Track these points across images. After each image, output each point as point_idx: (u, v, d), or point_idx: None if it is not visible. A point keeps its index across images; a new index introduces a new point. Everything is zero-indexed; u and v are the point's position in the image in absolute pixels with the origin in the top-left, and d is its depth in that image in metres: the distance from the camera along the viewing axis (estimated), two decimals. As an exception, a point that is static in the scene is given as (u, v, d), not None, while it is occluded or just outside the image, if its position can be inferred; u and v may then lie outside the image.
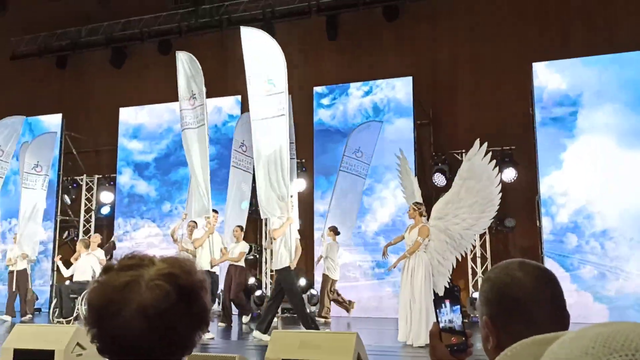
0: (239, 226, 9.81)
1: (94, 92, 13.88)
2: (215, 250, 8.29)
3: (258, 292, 11.50)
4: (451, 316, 1.42)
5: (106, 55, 13.72)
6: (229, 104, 12.57)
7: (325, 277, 10.24)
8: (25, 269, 10.90)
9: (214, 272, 8.41)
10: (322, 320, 10.01)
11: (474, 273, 10.82)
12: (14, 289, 10.76)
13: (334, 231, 10.17)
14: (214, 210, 8.27)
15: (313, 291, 11.20)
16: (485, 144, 6.90)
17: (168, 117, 12.83)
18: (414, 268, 6.96)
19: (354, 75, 11.96)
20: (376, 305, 10.79)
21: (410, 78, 11.48)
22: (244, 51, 8.01)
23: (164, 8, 13.05)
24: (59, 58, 14.08)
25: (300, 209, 11.85)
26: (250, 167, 11.37)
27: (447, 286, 7.07)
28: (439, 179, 11.01)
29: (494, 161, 6.90)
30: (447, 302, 1.43)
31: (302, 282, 11.94)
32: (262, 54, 7.92)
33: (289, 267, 7.36)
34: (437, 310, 1.43)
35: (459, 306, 1.44)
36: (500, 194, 6.85)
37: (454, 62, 11.84)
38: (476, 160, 6.81)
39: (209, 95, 12.77)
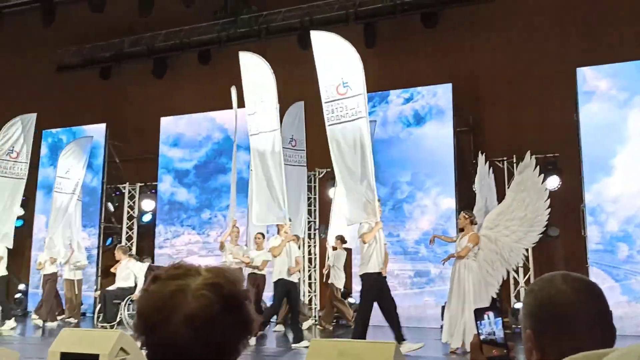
0: (260, 233, 9.66)
1: (136, 102, 14.20)
2: (292, 259, 8.22)
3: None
4: (493, 328, 1.40)
5: (148, 66, 14.02)
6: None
7: (332, 286, 10.27)
8: (54, 273, 10.96)
9: (293, 282, 8.26)
10: (323, 327, 10.21)
11: (516, 283, 10.60)
12: (45, 293, 10.90)
13: (342, 240, 10.16)
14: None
15: (351, 300, 11.14)
16: (533, 158, 7.16)
17: (207, 125, 13.02)
18: (464, 276, 7.05)
19: (392, 83, 11.90)
20: (416, 315, 10.66)
21: (449, 85, 11.36)
22: (315, 54, 7.95)
23: (204, 19, 13.27)
24: (102, 69, 14.47)
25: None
26: (304, 159, 11.35)
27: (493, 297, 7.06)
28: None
29: (542, 175, 7.11)
30: (489, 314, 1.41)
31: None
32: (335, 56, 7.85)
33: (374, 272, 7.19)
34: (478, 322, 1.41)
35: (500, 318, 1.41)
36: (549, 209, 6.99)
37: (495, 67, 11.67)
38: (527, 173, 7.11)
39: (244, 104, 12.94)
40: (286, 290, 8.07)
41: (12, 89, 15.41)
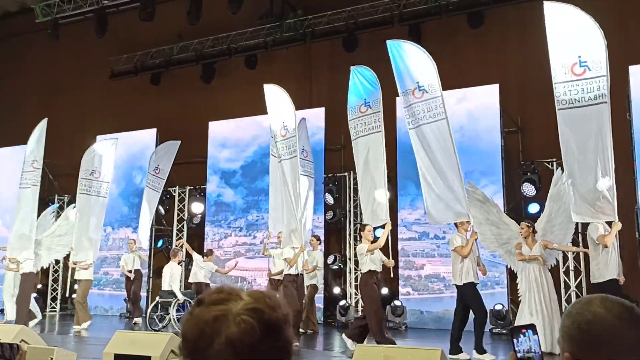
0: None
1: (186, 107, 14.53)
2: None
3: (342, 302, 11.55)
4: (530, 345, 1.42)
5: (197, 71, 14.34)
6: (314, 115, 12.68)
7: (314, 288, 10.24)
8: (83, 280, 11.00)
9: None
10: (307, 331, 9.91)
11: (567, 287, 10.35)
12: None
13: (318, 240, 10.11)
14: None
15: (397, 302, 11.11)
16: (565, 172, 7.42)
17: (255, 129, 13.19)
18: (539, 280, 7.70)
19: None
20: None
21: (496, 85, 11.19)
22: (547, 29, 7.16)
23: (250, 24, 13.48)
24: (153, 75, 14.87)
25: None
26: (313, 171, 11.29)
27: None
28: (528, 189, 10.67)
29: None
30: (526, 332, 1.43)
31: (385, 291, 11.87)
32: (572, 31, 7.07)
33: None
34: (515, 339, 1.43)
35: (537, 335, 1.43)
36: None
37: (542, 67, 11.34)
38: (560, 186, 7.95)
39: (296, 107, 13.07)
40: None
41: (67, 96, 16.03)
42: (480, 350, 7.18)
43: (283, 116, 9.36)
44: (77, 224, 11.15)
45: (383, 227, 8.35)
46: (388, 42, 8.27)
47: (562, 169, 7.62)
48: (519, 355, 1.41)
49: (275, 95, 9.52)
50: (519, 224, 8.05)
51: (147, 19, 12.93)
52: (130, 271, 11.88)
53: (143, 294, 13.38)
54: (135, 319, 11.68)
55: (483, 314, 7.39)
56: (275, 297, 1.07)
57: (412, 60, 7.98)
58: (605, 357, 1.19)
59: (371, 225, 8.11)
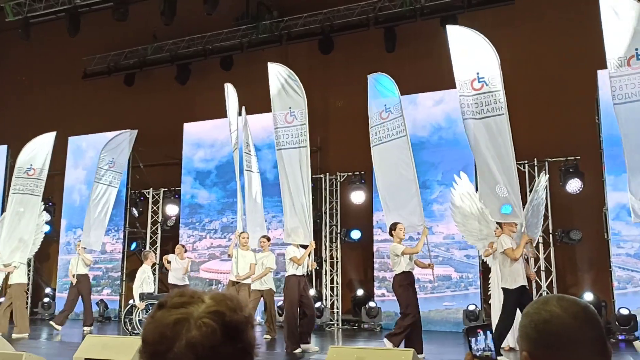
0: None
1: (160, 108, 14.40)
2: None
3: (317, 304, 11.55)
4: (487, 344, 1.45)
5: (171, 72, 14.22)
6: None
7: (271, 293, 9.63)
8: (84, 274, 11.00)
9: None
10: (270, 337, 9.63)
11: (539, 287, 10.51)
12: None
13: (269, 240, 10.00)
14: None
15: (372, 303, 11.17)
16: (547, 177, 8.56)
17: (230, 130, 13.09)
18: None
19: (415, 86, 11.90)
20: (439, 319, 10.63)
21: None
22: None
23: (226, 25, 13.42)
24: (127, 76, 14.70)
25: (362, 220, 11.93)
26: None
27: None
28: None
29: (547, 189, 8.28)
30: (481, 331, 1.46)
31: (360, 292, 11.94)
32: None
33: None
34: (471, 339, 1.46)
35: (492, 333, 1.48)
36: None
37: (515, 68, 11.56)
38: (539, 190, 8.47)
39: (267, 109, 13.01)
40: None
41: (39, 96, 15.77)
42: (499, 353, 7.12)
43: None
44: (6, 224, 10.51)
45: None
46: (448, 27, 8.24)
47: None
48: (478, 354, 1.44)
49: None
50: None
51: (121, 19, 12.78)
52: (74, 275, 10.83)
53: (115, 297, 13.22)
54: (85, 328, 10.83)
55: (512, 320, 7.12)
56: (237, 299, 1.07)
57: (473, 50, 7.77)
58: (561, 356, 1.22)
59: (402, 224, 7.93)
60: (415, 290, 7.63)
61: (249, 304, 8.20)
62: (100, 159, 12.37)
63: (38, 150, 11.10)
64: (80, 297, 10.91)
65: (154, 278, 11.42)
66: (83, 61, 14.82)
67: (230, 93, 10.16)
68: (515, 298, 6.98)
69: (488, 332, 1.46)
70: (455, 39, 7.92)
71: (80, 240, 11.56)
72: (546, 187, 8.96)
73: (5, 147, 14.52)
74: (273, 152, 12.15)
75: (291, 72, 9.31)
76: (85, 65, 14.89)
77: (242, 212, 9.65)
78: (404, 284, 7.50)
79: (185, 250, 11.09)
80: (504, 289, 7.17)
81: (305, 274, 8.50)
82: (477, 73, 7.59)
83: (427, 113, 11.62)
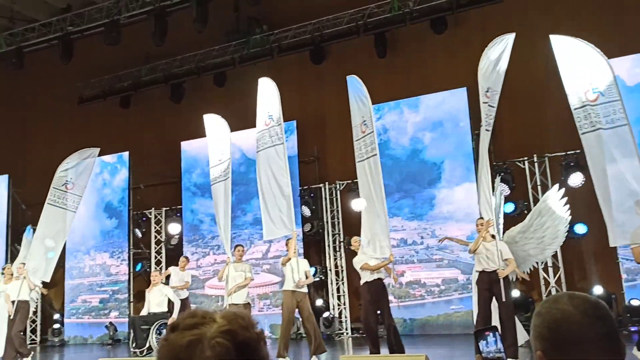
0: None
1: (157, 128, 14.44)
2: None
3: (325, 314, 11.50)
4: (497, 346, 1.44)
5: (166, 92, 14.27)
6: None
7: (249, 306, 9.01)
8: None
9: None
10: None
11: (547, 283, 10.44)
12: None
13: (187, 259, 9.73)
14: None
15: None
16: (560, 189, 7.89)
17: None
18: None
19: (407, 91, 11.91)
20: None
21: (464, 89, 11.30)
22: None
23: (217, 41, 13.46)
24: (122, 98, 14.76)
25: (358, 229, 11.87)
26: None
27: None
28: (503, 189, 10.76)
29: (568, 205, 7.70)
30: (490, 334, 1.45)
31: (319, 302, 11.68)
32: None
33: None
34: (480, 342, 1.44)
35: (500, 336, 1.47)
36: (566, 233, 7.85)
37: (510, 66, 11.54)
38: (552, 201, 7.81)
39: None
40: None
41: (36, 124, 15.83)
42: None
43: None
44: (36, 239, 10.13)
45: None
46: (552, 37, 7.85)
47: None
48: (489, 356, 1.43)
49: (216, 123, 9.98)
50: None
51: (113, 44, 12.85)
52: (13, 302, 9.38)
53: (123, 319, 13.16)
54: None
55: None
56: (249, 317, 1.08)
57: (584, 60, 7.50)
58: (575, 353, 1.22)
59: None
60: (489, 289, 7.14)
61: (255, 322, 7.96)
62: (55, 180, 10.81)
63: (80, 167, 10.85)
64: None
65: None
66: (78, 86, 14.88)
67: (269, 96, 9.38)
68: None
69: (497, 334, 1.45)
70: (562, 50, 7.61)
71: (23, 263, 10.04)
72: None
73: (6, 176, 14.55)
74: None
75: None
76: (81, 90, 14.95)
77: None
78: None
79: (188, 261, 10.74)
80: None
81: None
82: (590, 83, 7.27)
83: (417, 116, 11.61)
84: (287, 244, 8.46)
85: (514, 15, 11.57)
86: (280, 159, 8.69)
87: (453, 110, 11.27)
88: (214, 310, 1.08)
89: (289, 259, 8.15)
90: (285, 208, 8.44)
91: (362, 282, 7.85)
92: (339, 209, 12.27)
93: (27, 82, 15.43)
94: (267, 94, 9.22)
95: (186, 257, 10.90)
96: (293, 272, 8.05)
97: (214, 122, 10.25)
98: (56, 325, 13.71)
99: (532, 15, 11.48)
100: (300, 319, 8.66)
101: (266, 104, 9.17)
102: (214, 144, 10.08)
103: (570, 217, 7.85)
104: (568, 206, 7.80)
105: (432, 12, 11.90)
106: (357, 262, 7.92)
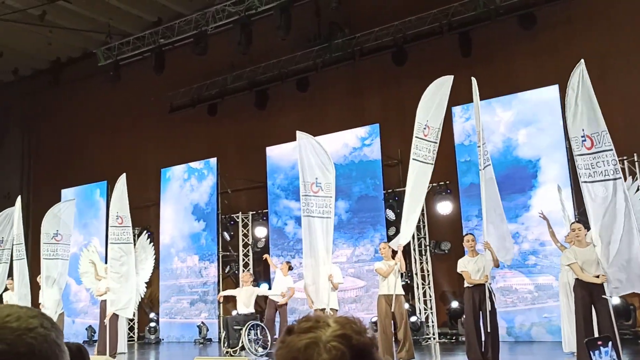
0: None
1: (242, 134, 14.84)
2: None
3: (413, 318, 11.36)
4: (612, 355, 1.38)
5: (250, 99, 14.63)
6: (363, 132, 12.62)
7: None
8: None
9: None
10: None
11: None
12: None
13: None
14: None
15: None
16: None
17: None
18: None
19: (494, 90, 11.55)
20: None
21: (556, 86, 10.81)
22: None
23: (299, 47, 13.65)
24: (209, 106, 15.29)
25: (450, 231, 11.65)
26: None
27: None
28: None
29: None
30: (603, 342, 1.39)
31: (455, 305, 11.56)
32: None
33: None
34: (593, 352, 1.38)
35: (612, 343, 1.41)
36: None
37: (602, 63, 10.98)
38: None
39: (345, 126, 13.09)
40: None
41: (131, 132, 16.69)
42: None
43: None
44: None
45: None
46: None
47: None
48: None
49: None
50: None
51: (201, 54, 13.35)
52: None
53: (213, 320, 13.59)
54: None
55: None
56: (361, 322, 1.09)
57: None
58: None
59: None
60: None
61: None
62: (43, 230, 11.13)
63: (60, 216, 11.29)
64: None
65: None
66: (169, 96, 15.56)
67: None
68: None
69: (610, 344, 1.39)
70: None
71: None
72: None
73: (105, 183, 15.43)
74: (345, 170, 12.13)
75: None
76: (172, 100, 15.62)
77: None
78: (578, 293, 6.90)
79: (290, 268, 10.70)
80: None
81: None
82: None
83: (504, 116, 11.20)
84: (382, 250, 8.40)
85: (603, 7, 10.98)
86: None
87: (545, 108, 10.81)
88: (327, 315, 1.10)
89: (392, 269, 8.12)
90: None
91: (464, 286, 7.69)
92: (425, 212, 12.07)
93: (122, 94, 16.29)
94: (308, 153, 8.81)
95: (287, 262, 10.79)
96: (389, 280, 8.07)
97: (306, 142, 9.49)
98: (152, 324, 14.37)
99: (623, 5, 10.84)
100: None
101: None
102: (306, 165, 9.28)
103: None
104: None
105: (519, 7, 11.50)
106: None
